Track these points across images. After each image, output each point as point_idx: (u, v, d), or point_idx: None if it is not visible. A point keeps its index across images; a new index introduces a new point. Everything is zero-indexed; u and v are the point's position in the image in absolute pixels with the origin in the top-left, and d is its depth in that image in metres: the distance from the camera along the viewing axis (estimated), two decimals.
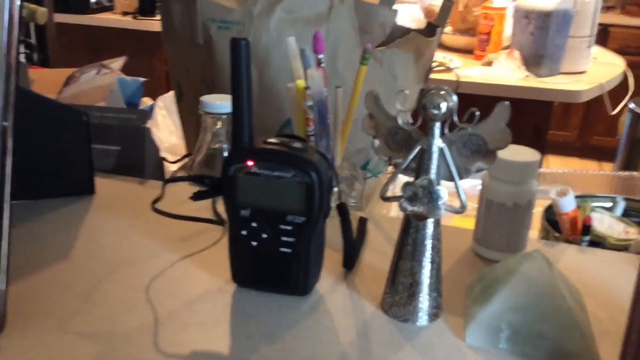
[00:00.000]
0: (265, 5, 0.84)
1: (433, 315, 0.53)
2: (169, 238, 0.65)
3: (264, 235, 0.54)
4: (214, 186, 0.56)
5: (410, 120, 0.52)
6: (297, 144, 0.54)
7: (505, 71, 1.78)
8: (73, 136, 0.72)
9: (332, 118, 0.72)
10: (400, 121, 0.52)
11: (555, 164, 3.53)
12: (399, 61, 0.92)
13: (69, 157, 0.73)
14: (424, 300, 0.53)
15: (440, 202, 0.49)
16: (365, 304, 0.56)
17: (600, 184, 1.17)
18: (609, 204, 0.82)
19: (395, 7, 0.91)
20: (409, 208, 0.50)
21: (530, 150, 0.61)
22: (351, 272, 0.61)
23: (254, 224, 0.54)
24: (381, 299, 0.55)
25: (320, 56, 0.71)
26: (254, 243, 0.54)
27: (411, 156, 0.51)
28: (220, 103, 0.74)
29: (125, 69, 1.20)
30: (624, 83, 1.96)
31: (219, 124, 0.76)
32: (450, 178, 0.51)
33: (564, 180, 1.16)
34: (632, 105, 2.41)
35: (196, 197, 0.56)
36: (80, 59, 2.45)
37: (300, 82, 0.70)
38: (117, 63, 1.11)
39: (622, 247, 0.72)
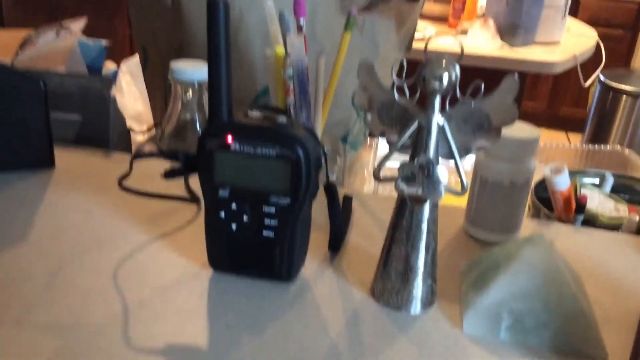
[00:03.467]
0: None
1: (428, 303, 0.50)
2: (138, 217, 0.60)
3: (245, 218, 0.49)
4: (189, 163, 0.51)
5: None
6: (282, 118, 0.49)
7: (479, 40, 1.75)
8: (30, 104, 0.66)
9: (312, 88, 0.67)
10: (396, 95, 0.47)
11: None
12: (380, 28, 0.87)
13: (25, 127, 0.67)
14: (419, 288, 0.49)
15: (439, 184, 0.45)
16: (354, 290, 0.52)
17: (578, 158, 1.15)
18: (596, 180, 0.80)
19: None
20: (406, 190, 0.46)
21: (529, 127, 0.57)
22: (337, 255, 0.56)
23: (233, 206, 0.49)
24: (371, 285, 0.52)
25: (301, 20, 0.66)
26: (234, 226, 0.50)
27: (408, 133, 0.47)
28: (191, 70, 0.69)
29: (85, 31, 1.12)
30: (594, 55, 1.94)
31: (190, 93, 0.71)
32: (449, 157, 0.47)
33: (542, 153, 1.14)
34: (602, 77, 2.42)
35: (169, 174, 0.51)
36: (36, 20, 2.33)
37: (280, 49, 0.64)
38: (78, 24, 1.04)
39: (614, 225, 0.70)
